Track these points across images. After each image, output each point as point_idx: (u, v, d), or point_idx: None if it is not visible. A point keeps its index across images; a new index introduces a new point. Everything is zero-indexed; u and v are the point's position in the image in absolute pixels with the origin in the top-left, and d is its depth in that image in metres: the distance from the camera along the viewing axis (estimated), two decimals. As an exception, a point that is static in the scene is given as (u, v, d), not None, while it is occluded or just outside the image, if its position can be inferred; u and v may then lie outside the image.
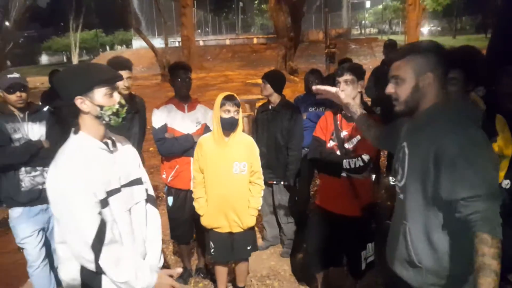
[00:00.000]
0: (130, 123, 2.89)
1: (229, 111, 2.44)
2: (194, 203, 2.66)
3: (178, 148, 2.83)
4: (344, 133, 2.49)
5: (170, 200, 3.03)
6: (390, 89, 1.49)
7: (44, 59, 41.37)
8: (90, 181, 1.43)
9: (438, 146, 1.33)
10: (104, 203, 1.48)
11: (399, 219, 1.54)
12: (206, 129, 2.89)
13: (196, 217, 2.74)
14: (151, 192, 1.79)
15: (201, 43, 26.45)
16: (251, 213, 2.60)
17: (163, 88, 13.67)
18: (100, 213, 1.45)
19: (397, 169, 1.56)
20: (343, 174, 2.45)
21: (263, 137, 3.35)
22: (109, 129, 1.59)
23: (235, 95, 2.53)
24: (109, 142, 1.58)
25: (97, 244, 1.42)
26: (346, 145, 2.47)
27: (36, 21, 30.18)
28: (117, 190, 1.54)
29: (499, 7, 4.22)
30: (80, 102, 1.45)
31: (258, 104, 7.06)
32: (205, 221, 2.63)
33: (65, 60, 37.70)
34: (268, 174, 3.25)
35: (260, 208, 2.67)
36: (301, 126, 3.30)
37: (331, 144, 2.53)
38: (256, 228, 2.90)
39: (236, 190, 2.54)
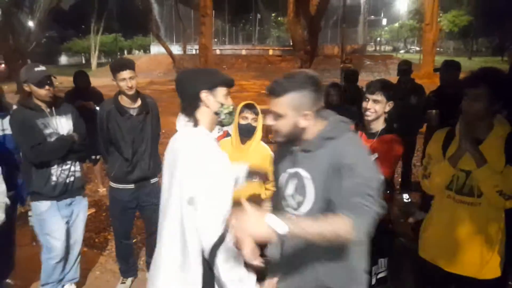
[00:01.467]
0: (142, 124, 2.89)
1: (246, 118, 2.50)
2: None
3: None
4: None
5: None
6: (269, 121, 1.50)
7: (63, 59, 42.21)
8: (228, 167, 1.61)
9: (335, 160, 1.41)
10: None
11: (304, 248, 1.51)
12: (228, 136, 2.94)
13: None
14: None
15: (218, 52, 26.77)
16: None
17: (178, 94, 13.79)
18: None
19: (294, 197, 1.55)
20: None
21: None
22: None
23: (255, 104, 2.57)
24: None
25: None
26: None
27: (58, 22, 30.87)
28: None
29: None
30: (205, 95, 1.61)
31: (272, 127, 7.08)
32: None
33: (83, 61, 38.44)
34: None
35: None
36: None
37: None
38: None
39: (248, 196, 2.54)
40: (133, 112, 2.88)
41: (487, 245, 1.95)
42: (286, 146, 1.59)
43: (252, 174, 1.98)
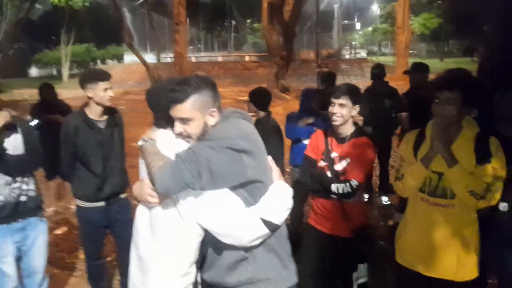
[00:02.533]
0: (111, 137, 2.80)
1: None
2: None
3: None
4: (334, 155, 2.46)
5: None
6: (178, 129, 1.53)
7: (34, 71, 40.98)
8: None
9: None
10: None
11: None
12: None
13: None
14: None
15: (193, 59, 26.60)
16: None
17: (154, 103, 13.56)
18: None
19: None
20: (333, 196, 2.42)
21: None
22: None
23: None
24: None
25: None
26: (336, 167, 2.44)
27: (27, 33, 30.04)
28: None
29: (488, 32, 4.34)
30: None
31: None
32: None
33: (55, 73, 37.44)
34: None
35: None
36: (278, 143, 3.31)
37: (322, 164, 2.50)
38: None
39: None
40: (102, 125, 2.77)
41: (463, 247, 1.95)
42: None
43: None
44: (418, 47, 37.64)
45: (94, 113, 2.74)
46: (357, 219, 2.45)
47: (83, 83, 2.69)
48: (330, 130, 2.52)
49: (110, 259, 3.62)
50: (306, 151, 2.62)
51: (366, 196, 3.14)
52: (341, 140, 2.43)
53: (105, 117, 2.79)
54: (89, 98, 2.71)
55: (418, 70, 4.02)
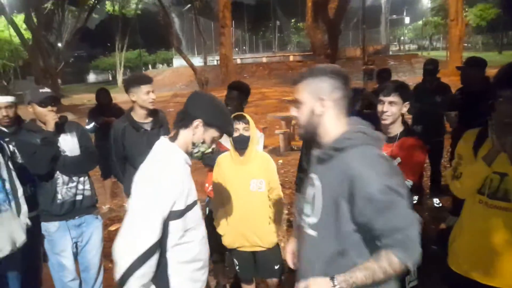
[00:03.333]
0: (157, 139, 2.91)
1: (237, 129, 2.45)
2: (215, 223, 2.66)
3: None
4: None
5: (207, 211, 3.03)
6: (292, 111, 1.50)
7: (91, 77, 43.81)
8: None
9: (351, 180, 1.32)
10: (181, 214, 1.59)
11: (313, 259, 1.47)
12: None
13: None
14: None
15: (239, 61, 26.97)
16: (272, 230, 2.56)
17: (201, 105, 13.93)
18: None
19: (308, 204, 1.49)
20: None
21: (307, 154, 3.30)
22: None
23: (245, 114, 2.54)
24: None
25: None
26: None
27: (85, 41, 32.18)
28: (194, 203, 1.68)
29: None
30: (197, 124, 1.63)
31: (294, 121, 7.05)
32: (226, 241, 2.62)
33: (110, 78, 39.71)
34: None
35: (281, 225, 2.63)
36: None
37: None
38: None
39: (255, 208, 2.51)
40: (147, 127, 2.89)
41: None
42: (311, 148, 1.56)
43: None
44: (473, 40, 35.41)
45: (139, 116, 2.87)
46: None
47: (127, 88, 2.82)
48: (377, 129, 2.46)
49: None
50: None
51: (416, 197, 3.02)
52: (390, 139, 2.36)
53: (150, 118, 2.91)
54: (133, 101, 2.84)
55: (472, 65, 3.76)
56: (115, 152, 2.91)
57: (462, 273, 1.96)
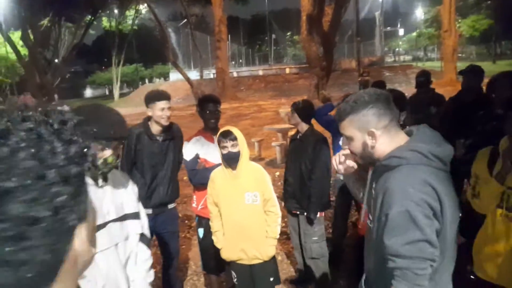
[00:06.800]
0: (166, 149, 2.94)
1: (226, 147, 2.46)
2: (213, 237, 2.67)
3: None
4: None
5: (201, 232, 3.02)
6: (347, 146, 1.51)
7: (88, 92, 43.96)
8: None
9: (383, 193, 1.34)
10: None
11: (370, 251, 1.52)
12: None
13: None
14: (147, 233, 1.82)
15: (235, 74, 27.17)
16: (270, 243, 2.56)
17: (198, 118, 13.74)
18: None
19: (371, 208, 1.51)
20: None
21: (291, 166, 3.30)
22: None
23: (232, 129, 2.52)
24: (100, 176, 1.54)
25: None
26: None
27: (82, 57, 32.36)
28: (102, 226, 1.57)
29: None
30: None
31: (290, 133, 7.05)
32: (224, 254, 2.62)
33: (107, 93, 39.84)
34: (293, 204, 3.22)
35: (278, 237, 2.62)
36: (325, 156, 3.13)
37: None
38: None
39: (251, 220, 2.52)
40: (160, 138, 2.93)
41: None
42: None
43: None
44: (467, 50, 35.84)
45: (154, 128, 2.92)
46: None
47: (146, 103, 2.89)
48: None
49: (156, 270, 3.71)
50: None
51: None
52: None
53: (164, 131, 2.94)
54: (149, 116, 2.90)
55: (473, 72, 3.79)
56: (125, 156, 2.92)
57: (489, 280, 2.06)
